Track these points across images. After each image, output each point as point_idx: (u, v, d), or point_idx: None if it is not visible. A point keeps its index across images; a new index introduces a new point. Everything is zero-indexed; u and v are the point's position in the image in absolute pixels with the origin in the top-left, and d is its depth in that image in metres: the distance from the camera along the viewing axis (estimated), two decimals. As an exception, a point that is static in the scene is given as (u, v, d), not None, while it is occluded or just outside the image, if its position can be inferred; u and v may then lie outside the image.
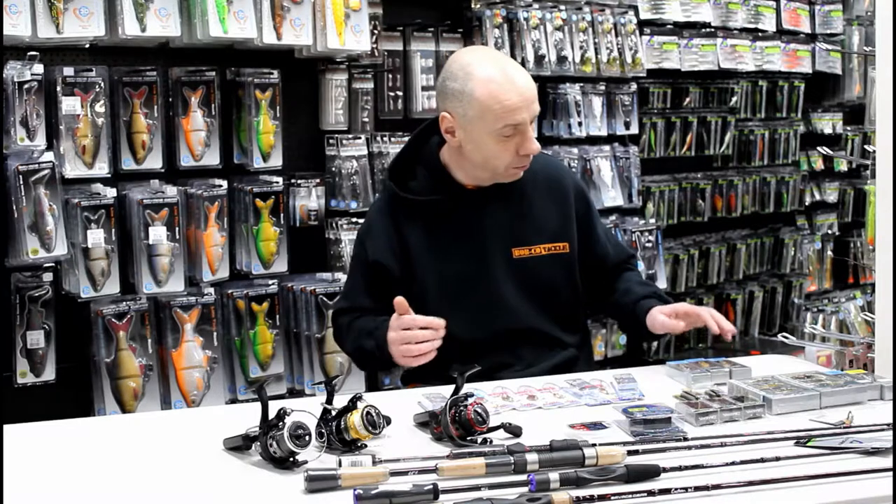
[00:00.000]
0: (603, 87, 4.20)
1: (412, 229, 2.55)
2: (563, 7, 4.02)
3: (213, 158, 3.23)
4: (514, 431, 1.91)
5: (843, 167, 5.48)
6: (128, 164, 3.09)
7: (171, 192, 3.10)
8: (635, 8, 4.27)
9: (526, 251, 2.56)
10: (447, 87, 2.47)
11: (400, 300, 2.32)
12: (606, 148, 4.22)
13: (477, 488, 1.60)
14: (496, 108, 2.39)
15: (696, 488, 1.61)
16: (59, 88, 2.93)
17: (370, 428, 1.79)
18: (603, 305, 2.79)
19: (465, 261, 2.53)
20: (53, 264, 2.96)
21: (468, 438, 1.85)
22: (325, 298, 3.32)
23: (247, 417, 1.85)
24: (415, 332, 2.30)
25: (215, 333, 3.20)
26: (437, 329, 2.30)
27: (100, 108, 3.00)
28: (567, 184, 2.66)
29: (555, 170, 2.71)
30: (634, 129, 4.32)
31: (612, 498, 1.59)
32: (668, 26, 4.42)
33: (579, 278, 2.63)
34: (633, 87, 4.29)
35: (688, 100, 4.66)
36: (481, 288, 2.53)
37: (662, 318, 2.45)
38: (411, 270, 2.53)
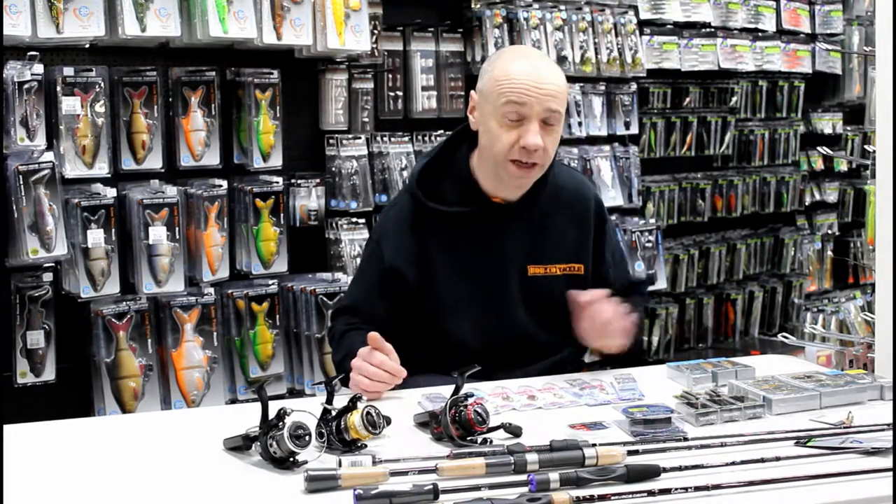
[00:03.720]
0: (603, 87, 4.20)
1: (433, 238, 2.51)
2: (563, 7, 4.02)
3: (213, 158, 3.23)
4: (514, 431, 1.91)
5: (843, 167, 5.49)
6: (128, 164, 3.09)
7: (171, 192, 3.10)
8: (635, 8, 4.27)
9: (541, 269, 2.55)
10: (482, 68, 2.51)
11: (374, 335, 2.23)
12: (606, 148, 4.23)
13: (477, 488, 1.60)
14: (503, 84, 2.38)
15: (696, 488, 1.61)
16: (59, 88, 2.93)
17: (370, 428, 1.79)
18: None
19: (482, 275, 2.51)
20: (53, 264, 2.96)
21: (468, 438, 1.85)
22: (325, 298, 3.32)
23: (247, 417, 1.84)
24: (375, 371, 2.20)
25: (215, 333, 3.20)
26: (398, 378, 2.22)
27: (100, 108, 3.00)
28: (589, 205, 2.64)
29: (579, 189, 2.66)
30: (634, 129, 4.32)
31: (612, 498, 1.58)
32: (668, 26, 4.42)
33: None
34: (633, 87, 4.29)
35: (688, 100, 4.66)
36: (493, 302, 2.52)
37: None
38: (428, 279, 2.49)
